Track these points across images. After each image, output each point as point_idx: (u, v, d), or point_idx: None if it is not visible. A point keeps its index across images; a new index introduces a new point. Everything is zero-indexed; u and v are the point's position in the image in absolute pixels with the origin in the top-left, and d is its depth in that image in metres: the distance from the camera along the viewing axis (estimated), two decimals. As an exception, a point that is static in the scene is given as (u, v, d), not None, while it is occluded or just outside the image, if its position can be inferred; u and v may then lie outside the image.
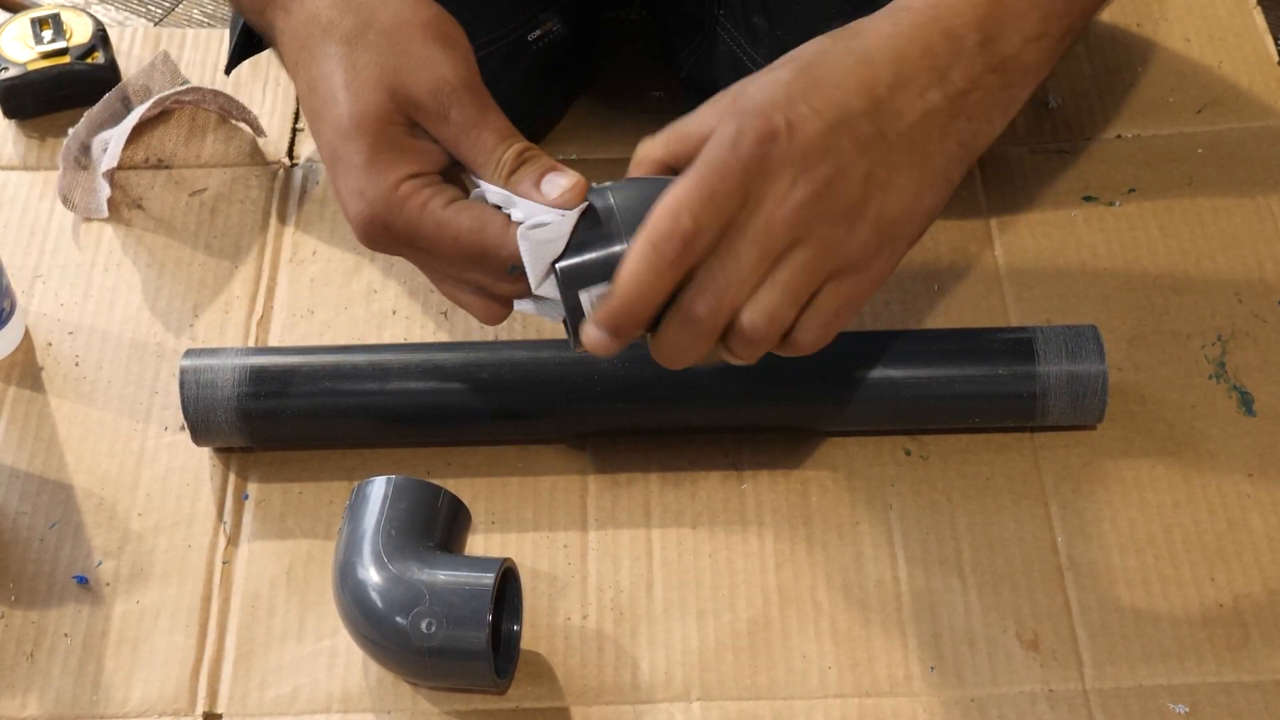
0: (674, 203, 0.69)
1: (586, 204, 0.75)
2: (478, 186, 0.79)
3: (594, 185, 0.76)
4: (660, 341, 0.73)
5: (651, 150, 0.74)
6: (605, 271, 0.73)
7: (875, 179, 0.71)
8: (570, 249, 0.75)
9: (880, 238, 0.73)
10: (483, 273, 0.77)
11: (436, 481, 0.89)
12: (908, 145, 0.72)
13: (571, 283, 0.74)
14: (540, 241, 0.75)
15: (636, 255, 0.70)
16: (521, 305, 0.80)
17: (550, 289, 0.76)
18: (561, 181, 0.75)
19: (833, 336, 0.74)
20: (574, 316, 0.74)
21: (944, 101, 0.73)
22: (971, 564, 0.91)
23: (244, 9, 0.87)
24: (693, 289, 0.71)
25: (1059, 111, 1.13)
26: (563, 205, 0.74)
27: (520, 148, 0.77)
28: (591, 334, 0.73)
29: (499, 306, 0.80)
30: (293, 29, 0.80)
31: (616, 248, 0.73)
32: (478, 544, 0.93)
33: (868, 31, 0.73)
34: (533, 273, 0.76)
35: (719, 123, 0.71)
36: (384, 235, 0.77)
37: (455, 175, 0.80)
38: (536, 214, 0.75)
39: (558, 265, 0.74)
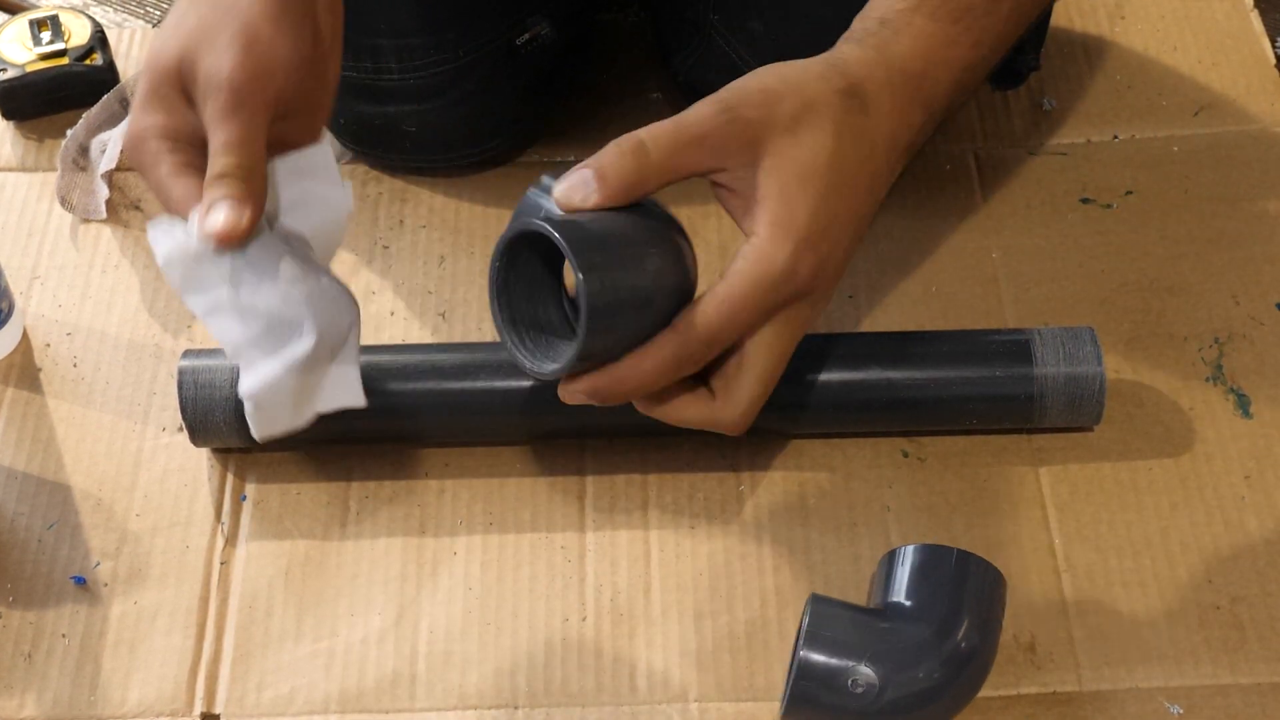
0: (716, 326, 0.75)
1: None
2: None
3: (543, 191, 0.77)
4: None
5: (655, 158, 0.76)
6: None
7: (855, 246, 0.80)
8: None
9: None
10: None
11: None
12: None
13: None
14: (164, 245, 0.74)
15: (667, 349, 0.76)
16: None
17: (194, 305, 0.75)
18: (220, 217, 0.73)
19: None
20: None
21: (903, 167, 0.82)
22: (969, 566, 0.91)
23: None
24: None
25: (1056, 114, 1.14)
26: (205, 238, 0.73)
27: (225, 164, 0.74)
28: (574, 392, 0.77)
29: None
30: None
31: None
32: (476, 544, 0.93)
33: (872, 105, 0.78)
34: (170, 279, 0.75)
35: (772, 239, 0.75)
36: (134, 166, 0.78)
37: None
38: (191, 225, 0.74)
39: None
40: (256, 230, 0.74)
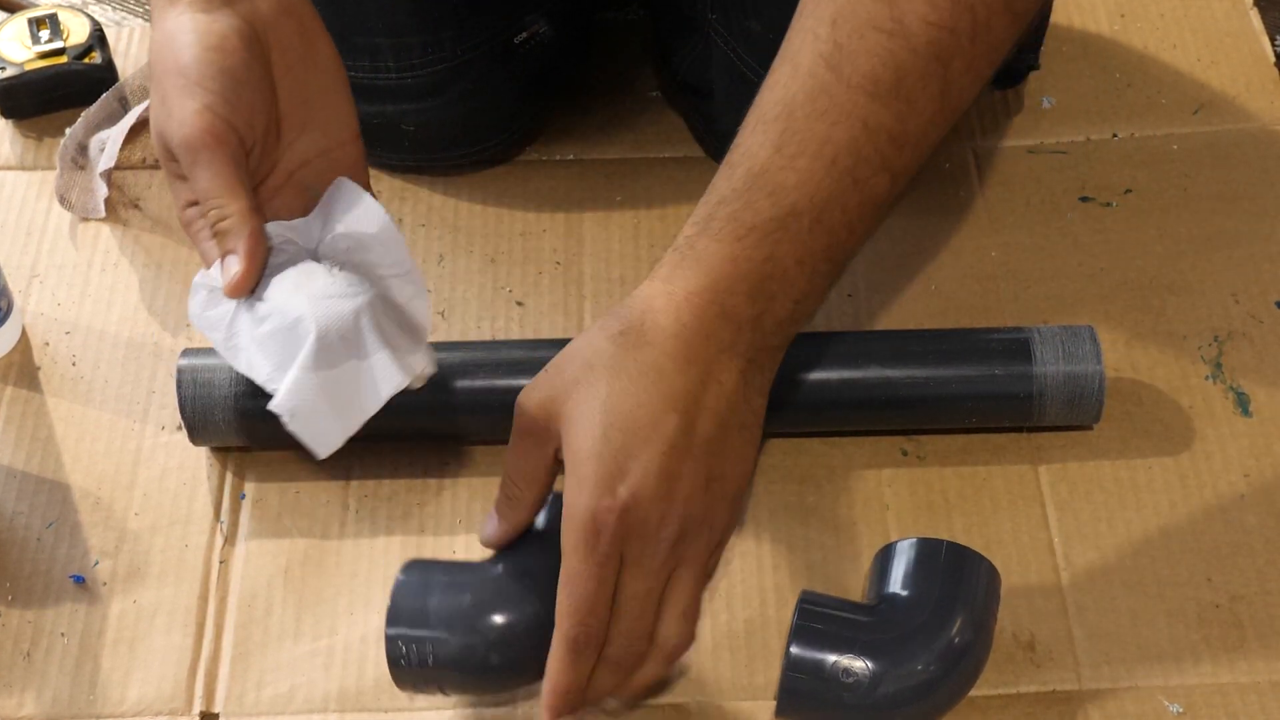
0: (571, 605, 0.74)
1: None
2: None
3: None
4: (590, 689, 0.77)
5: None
6: None
7: (714, 474, 0.75)
8: None
9: (732, 509, 0.77)
10: None
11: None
12: (724, 429, 0.75)
13: None
14: (206, 310, 0.77)
15: (560, 661, 0.75)
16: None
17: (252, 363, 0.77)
18: (234, 269, 0.75)
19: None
20: None
21: (739, 377, 0.76)
22: (968, 564, 0.91)
23: None
24: (610, 648, 0.76)
25: (1055, 112, 1.14)
26: (226, 292, 0.76)
27: (217, 217, 0.76)
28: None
29: None
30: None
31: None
32: (475, 543, 0.93)
33: (651, 334, 0.75)
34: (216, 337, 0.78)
35: (570, 497, 0.74)
36: None
37: None
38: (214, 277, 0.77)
39: None
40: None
